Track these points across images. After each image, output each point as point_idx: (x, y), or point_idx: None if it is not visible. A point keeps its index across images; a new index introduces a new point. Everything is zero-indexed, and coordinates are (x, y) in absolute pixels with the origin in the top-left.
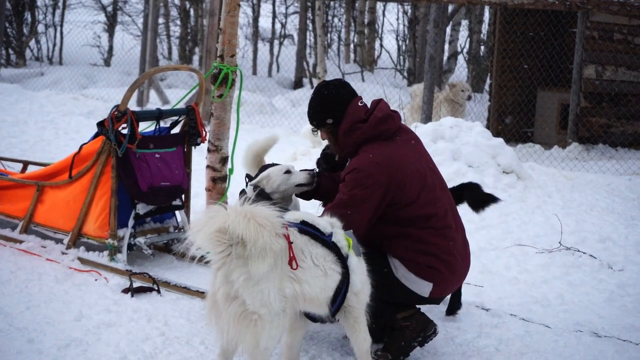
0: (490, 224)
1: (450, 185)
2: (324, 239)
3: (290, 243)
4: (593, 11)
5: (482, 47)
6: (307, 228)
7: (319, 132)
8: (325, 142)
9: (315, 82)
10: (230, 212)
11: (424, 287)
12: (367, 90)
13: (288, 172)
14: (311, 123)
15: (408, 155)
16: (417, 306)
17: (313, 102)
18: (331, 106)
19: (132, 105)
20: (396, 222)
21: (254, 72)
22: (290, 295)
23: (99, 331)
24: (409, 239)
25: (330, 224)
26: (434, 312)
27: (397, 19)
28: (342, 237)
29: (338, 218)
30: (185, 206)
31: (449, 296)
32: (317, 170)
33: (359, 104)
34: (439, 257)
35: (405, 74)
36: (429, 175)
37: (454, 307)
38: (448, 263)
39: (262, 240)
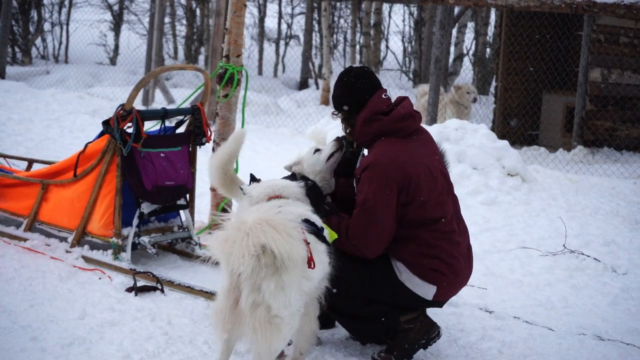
0: (494, 226)
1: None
2: (320, 234)
3: (307, 244)
4: (599, 14)
5: (488, 50)
6: (310, 226)
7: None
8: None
9: (321, 83)
10: (256, 226)
11: (427, 290)
12: None
13: (318, 150)
14: (334, 105)
15: (423, 155)
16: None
17: (335, 86)
18: (348, 93)
19: (138, 104)
20: (403, 224)
21: (260, 72)
22: (305, 294)
23: (102, 330)
24: (415, 241)
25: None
26: (439, 314)
27: (403, 21)
28: (327, 229)
29: (361, 226)
30: (190, 206)
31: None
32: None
33: (383, 96)
34: (444, 260)
35: (411, 75)
36: (439, 178)
37: None
38: (452, 266)
39: (296, 251)
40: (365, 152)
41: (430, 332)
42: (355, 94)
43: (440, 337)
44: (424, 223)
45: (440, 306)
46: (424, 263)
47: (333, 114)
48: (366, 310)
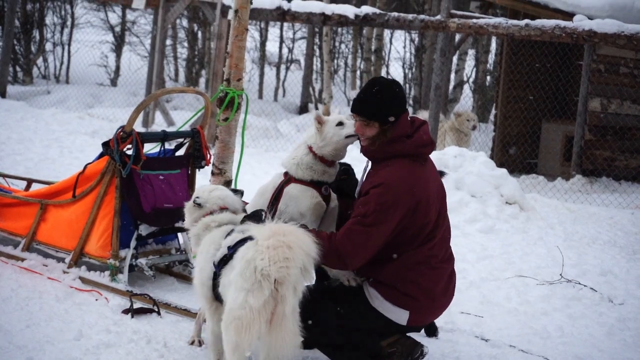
0: (491, 254)
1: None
2: None
3: None
4: (600, 44)
5: (488, 77)
6: None
7: (354, 120)
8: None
9: (321, 107)
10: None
11: (400, 315)
12: None
13: (341, 123)
14: (366, 114)
15: (430, 180)
16: None
17: (381, 94)
18: (398, 105)
19: (138, 126)
20: (389, 245)
21: (260, 96)
22: None
23: (98, 351)
24: (394, 263)
25: None
26: (433, 342)
27: (404, 47)
28: None
29: (356, 234)
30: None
31: None
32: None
33: (408, 117)
34: (420, 284)
35: (411, 101)
36: (437, 205)
37: (432, 329)
38: (428, 291)
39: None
40: (369, 164)
41: (413, 353)
42: (403, 107)
43: (424, 356)
44: (410, 247)
45: (418, 331)
46: (398, 286)
47: (366, 123)
48: (345, 339)
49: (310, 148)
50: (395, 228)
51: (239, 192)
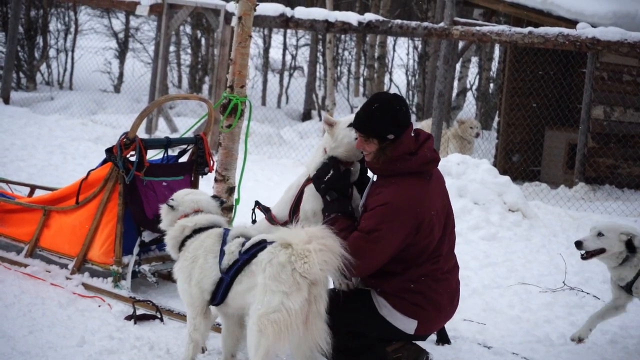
0: (494, 261)
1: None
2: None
3: None
4: (603, 52)
5: (491, 85)
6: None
7: (357, 136)
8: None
9: (324, 114)
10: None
11: (408, 325)
12: None
13: (352, 125)
14: (365, 131)
15: (436, 198)
16: None
17: (381, 111)
18: (399, 123)
19: (141, 133)
20: (396, 260)
21: (263, 103)
22: None
23: (101, 358)
24: (400, 276)
25: None
26: (437, 348)
27: (407, 54)
28: None
29: (359, 249)
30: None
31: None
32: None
33: (412, 133)
34: (426, 295)
35: (414, 109)
36: (443, 220)
37: (444, 337)
38: (435, 302)
39: None
40: (375, 177)
41: (418, 359)
42: (403, 124)
43: None
44: (415, 263)
45: (423, 339)
46: (406, 297)
47: (365, 138)
48: (351, 344)
49: (325, 150)
50: (400, 246)
51: (217, 198)
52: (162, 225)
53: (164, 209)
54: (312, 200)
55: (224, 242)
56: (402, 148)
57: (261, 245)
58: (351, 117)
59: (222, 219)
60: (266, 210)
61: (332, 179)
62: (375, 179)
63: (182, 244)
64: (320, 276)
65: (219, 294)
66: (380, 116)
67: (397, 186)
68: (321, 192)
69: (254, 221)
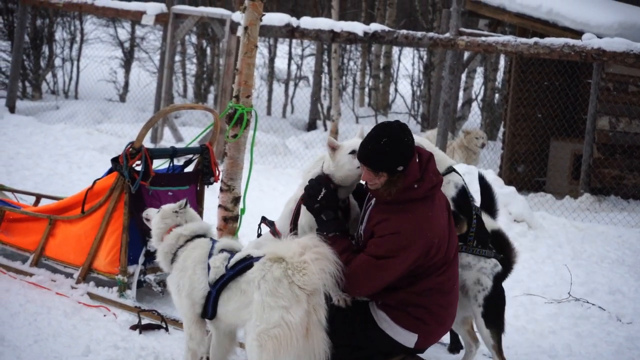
0: None
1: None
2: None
3: None
4: (608, 63)
5: (497, 95)
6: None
7: (361, 167)
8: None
9: (329, 124)
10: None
11: (409, 338)
12: None
13: (354, 151)
14: (375, 166)
15: (441, 217)
16: None
17: (390, 146)
18: (407, 155)
19: (147, 142)
20: (402, 277)
21: (269, 113)
22: None
23: None
24: (404, 290)
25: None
26: (442, 359)
27: (413, 64)
28: None
29: (366, 273)
30: None
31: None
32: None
33: (416, 159)
34: (429, 309)
35: (419, 119)
36: (449, 233)
37: (456, 344)
38: (437, 315)
39: None
40: (373, 200)
41: None
42: (410, 155)
43: None
44: (422, 277)
45: (422, 352)
46: (409, 310)
47: (374, 173)
48: (351, 358)
49: (322, 169)
50: (408, 269)
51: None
52: (153, 242)
53: (155, 220)
54: (308, 215)
55: (210, 255)
56: (410, 177)
57: (247, 261)
58: (354, 143)
59: (213, 228)
60: (271, 224)
61: (326, 198)
62: (374, 202)
63: (174, 256)
64: (319, 285)
65: (209, 308)
66: (390, 151)
67: (406, 214)
68: (315, 212)
69: (259, 235)
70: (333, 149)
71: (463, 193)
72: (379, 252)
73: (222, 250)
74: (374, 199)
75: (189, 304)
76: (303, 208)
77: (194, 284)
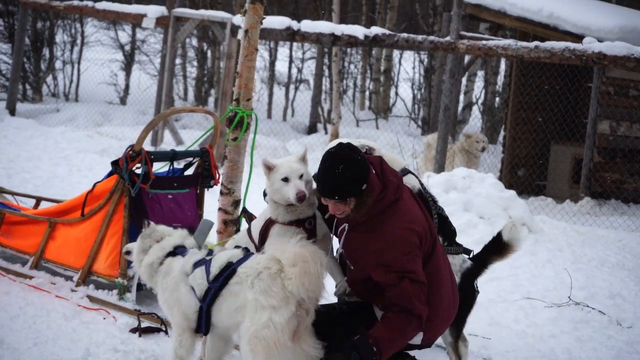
0: (499, 276)
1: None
2: None
3: None
4: (609, 67)
5: (497, 99)
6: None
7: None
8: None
9: (330, 128)
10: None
11: (415, 338)
12: (382, 137)
13: (286, 179)
14: (341, 196)
15: (415, 207)
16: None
17: (349, 171)
18: (365, 172)
19: (147, 145)
20: None
21: (269, 116)
22: None
23: None
24: None
25: None
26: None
27: (413, 68)
28: None
29: (413, 295)
30: None
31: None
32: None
33: (373, 171)
34: (432, 305)
35: (420, 122)
36: (426, 219)
37: None
38: (438, 310)
39: None
40: (344, 225)
41: None
42: (368, 169)
43: None
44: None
45: (429, 347)
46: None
47: (342, 202)
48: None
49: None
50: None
51: None
52: (135, 255)
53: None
54: (276, 242)
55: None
56: (376, 189)
57: (230, 269)
58: (288, 167)
59: (189, 239)
60: (251, 218)
61: None
62: (347, 227)
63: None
64: (305, 295)
65: (203, 322)
66: (351, 175)
67: (382, 225)
68: None
69: (237, 229)
70: (268, 168)
71: (420, 194)
72: (391, 278)
73: (196, 265)
74: (345, 225)
75: (181, 319)
76: (272, 236)
77: (183, 301)
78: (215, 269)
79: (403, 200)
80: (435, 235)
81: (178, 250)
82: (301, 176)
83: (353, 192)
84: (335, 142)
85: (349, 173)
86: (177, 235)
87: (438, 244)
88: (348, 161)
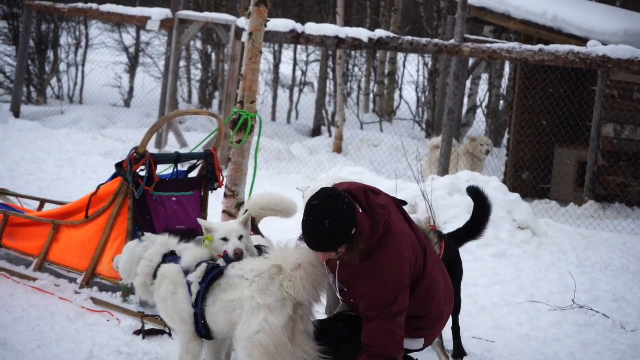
0: (503, 279)
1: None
2: None
3: None
4: (613, 70)
5: (502, 102)
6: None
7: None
8: None
9: (334, 130)
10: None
11: (416, 344)
12: (386, 140)
13: (225, 239)
14: (332, 247)
15: (403, 225)
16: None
17: (336, 223)
18: (352, 218)
19: (151, 147)
20: None
21: (273, 119)
22: None
23: None
24: None
25: None
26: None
27: (418, 71)
28: None
29: (390, 335)
30: None
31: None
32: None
33: (360, 210)
34: (428, 315)
35: (424, 125)
36: (415, 232)
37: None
38: (436, 317)
39: None
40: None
41: None
42: (355, 212)
43: None
44: (412, 290)
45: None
46: (409, 323)
47: (330, 253)
48: None
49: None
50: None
51: None
52: (124, 280)
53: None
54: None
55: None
56: (366, 230)
57: (216, 271)
58: (225, 230)
59: (173, 243)
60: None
61: None
62: (338, 262)
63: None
64: (305, 299)
65: (200, 327)
66: (338, 226)
67: (373, 256)
68: None
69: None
70: (208, 231)
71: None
72: (378, 304)
73: (186, 272)
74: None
75: (182, 326)
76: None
77: (179, 308)
78: (200, 271)
79: (393, 226)
80: (425, 243)
81: (169, 258)
82: (241, 237)
83: (343, 242)
84: (314, 187)
85: (336, 225)
86: (158, 244)
87: (429, 251)
88: (333, 214)
